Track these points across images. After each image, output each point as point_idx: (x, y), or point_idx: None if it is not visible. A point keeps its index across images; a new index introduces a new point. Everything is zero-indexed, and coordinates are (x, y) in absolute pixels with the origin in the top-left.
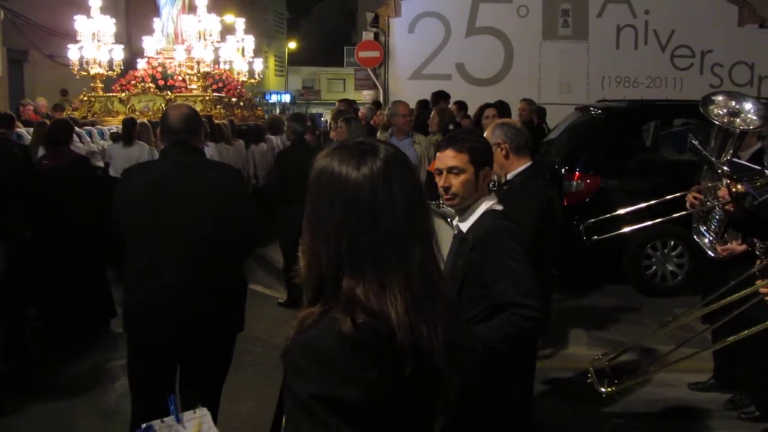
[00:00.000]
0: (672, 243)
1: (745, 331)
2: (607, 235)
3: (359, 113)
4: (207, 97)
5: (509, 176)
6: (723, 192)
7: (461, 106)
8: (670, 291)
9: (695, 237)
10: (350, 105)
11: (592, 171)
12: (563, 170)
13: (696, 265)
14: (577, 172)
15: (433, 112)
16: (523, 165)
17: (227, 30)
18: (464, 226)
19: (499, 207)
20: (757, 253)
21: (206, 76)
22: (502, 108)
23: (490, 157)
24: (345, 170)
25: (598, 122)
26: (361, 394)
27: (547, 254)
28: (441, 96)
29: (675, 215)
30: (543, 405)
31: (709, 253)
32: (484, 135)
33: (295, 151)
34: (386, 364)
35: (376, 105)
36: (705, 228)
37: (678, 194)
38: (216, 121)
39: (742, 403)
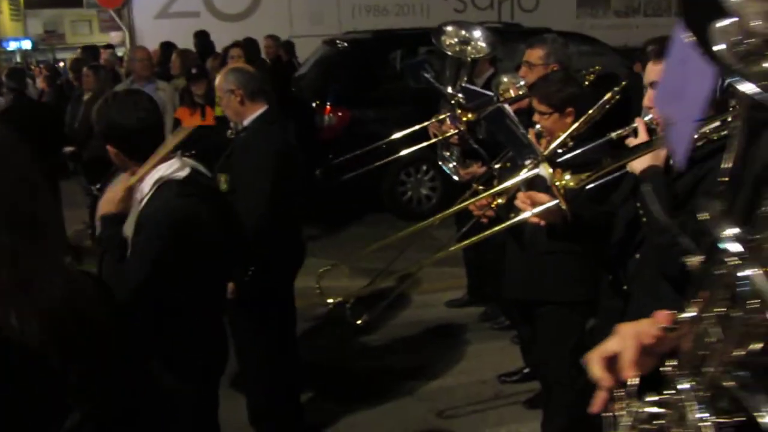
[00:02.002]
0: (424, 167)
1: (465, 242)
2: (350, 174)
3: (102, 59)
4: None
5: (246, 123)
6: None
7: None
8: (427, 214)
9: (440, 163)
10: (91, 52)
11: (343, 104)
12: (314, 105)
13: (448, 187)
14: (327, 107)
15: (174, 55)
16: (259, 110)
17: None
18: (140, 201)
19: (180, 175)
20: (494, 174)
21: None
22: (249, 46)
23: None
24: None
25: (344, 55)
26: None
27: (290, 197)
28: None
29: (419, 146)
30: (307, 343)
31: (454, 177)
32: (217, 82)
33: (16, 109)
34: None
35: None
36: (448, 153)
37: (424, 123)
38: None
39: (493, 314)
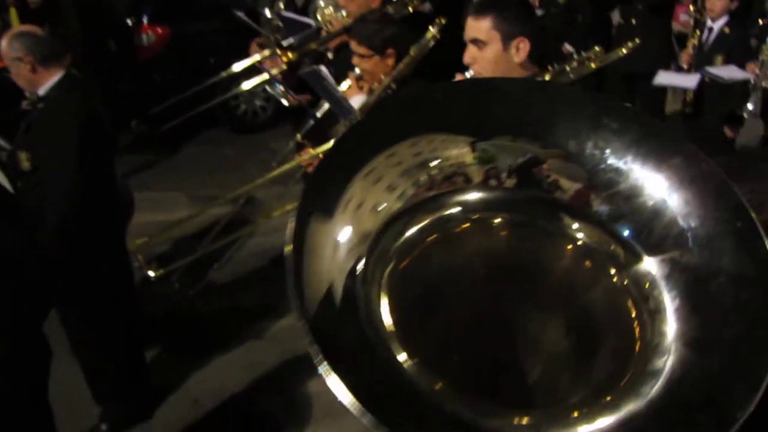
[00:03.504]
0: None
1: None
2: (170, 125)
3: None
4: None
5: (42, 92)
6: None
7: None
8: (262, 126)
9: (268, 88)
10: None
11: (160, 20)
12: (130, 23)
13: None
14: (144, 24)
15: None
16: (55, 77)
17: None
18: None
19: None
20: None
21: None
22: None
23: None
24: None
25: None
26: None
27: (101, 165)
28: None
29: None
30: (147, 288)
31: (283, 101)
32: (2, 48)
33: None
34: None
35: None
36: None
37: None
38: None
39: None
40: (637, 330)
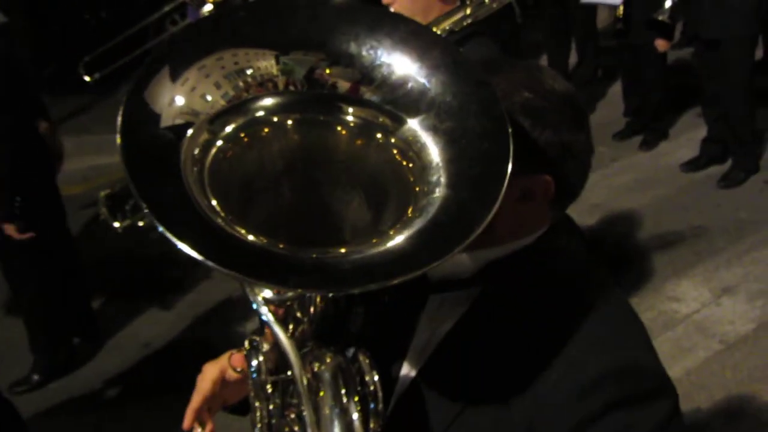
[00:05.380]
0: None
1: None
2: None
3: None
4: None
5: None
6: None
7: None
8: None
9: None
10: None
11: None
12: None
13: None
14: None
15: None
16: None
17: None
18: None
19: None
20: None
21: None
22: None
23: None
24: None
25: None
26: None
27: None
28: None
29: None
30: (88, 237)
31: None
32: None
33: None
34: None
35: None
36: None
37: None
38: None
39: None
40: (411, 180)
